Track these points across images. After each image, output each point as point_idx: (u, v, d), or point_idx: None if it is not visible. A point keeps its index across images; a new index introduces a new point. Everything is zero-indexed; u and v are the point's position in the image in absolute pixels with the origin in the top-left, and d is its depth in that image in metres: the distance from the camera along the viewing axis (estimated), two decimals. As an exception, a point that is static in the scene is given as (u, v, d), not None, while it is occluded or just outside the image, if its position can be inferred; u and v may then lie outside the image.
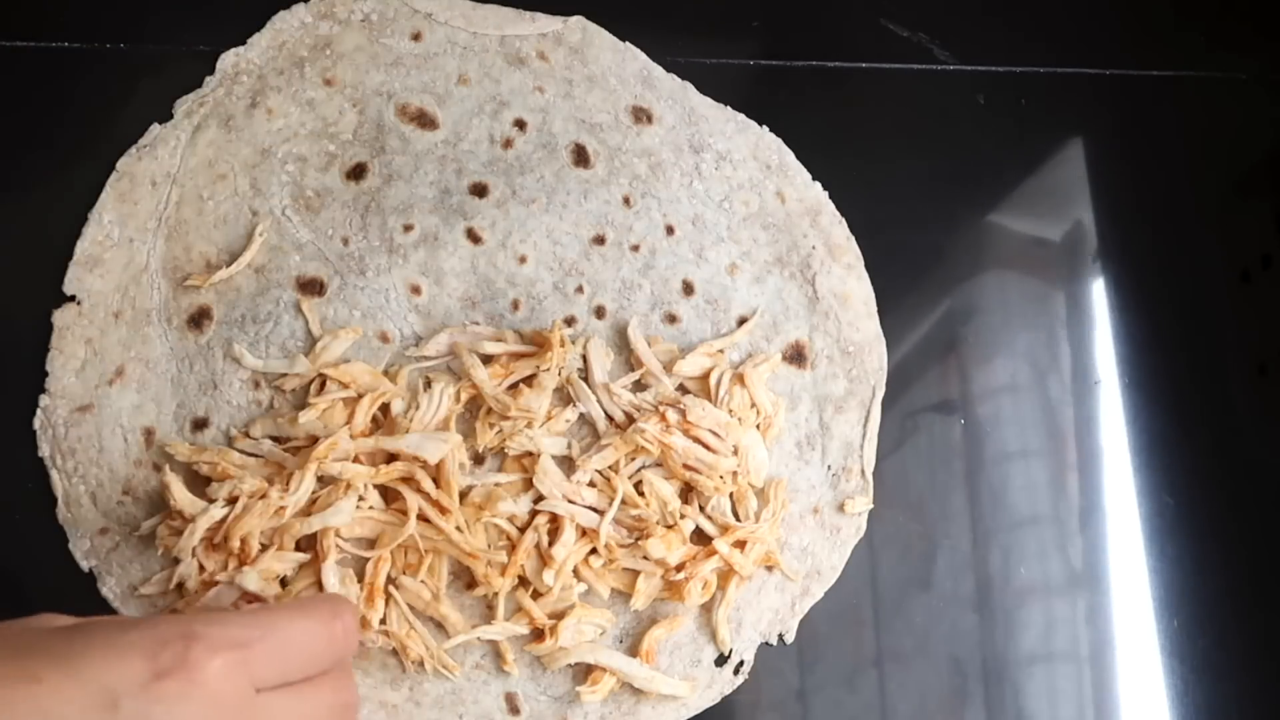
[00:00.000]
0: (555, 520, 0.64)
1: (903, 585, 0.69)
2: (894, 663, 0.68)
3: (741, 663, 0.66)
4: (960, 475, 0.71)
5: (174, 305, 0.66)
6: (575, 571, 0.64)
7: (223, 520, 0.61)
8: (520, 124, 0.70)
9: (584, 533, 0.64)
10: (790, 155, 0.73)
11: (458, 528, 0.62)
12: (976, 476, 0.71)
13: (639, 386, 0.67)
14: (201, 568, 0.62)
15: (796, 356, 0.69)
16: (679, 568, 0.64)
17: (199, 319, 0.66)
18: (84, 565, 0.64)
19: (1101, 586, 0.71)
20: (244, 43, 0.70)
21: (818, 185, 0.72)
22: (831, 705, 0.67)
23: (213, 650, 0.44)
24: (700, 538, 0.65)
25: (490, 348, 0.66)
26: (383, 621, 0.62)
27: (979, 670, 0.69)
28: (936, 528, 0.70)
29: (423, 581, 0.63)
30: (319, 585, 0.62)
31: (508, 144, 0.70)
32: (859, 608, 0.68)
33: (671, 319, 0.69)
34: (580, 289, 0.68)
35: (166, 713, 0.43)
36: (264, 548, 0.61)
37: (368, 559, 0.63)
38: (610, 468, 0.65)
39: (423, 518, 0.62)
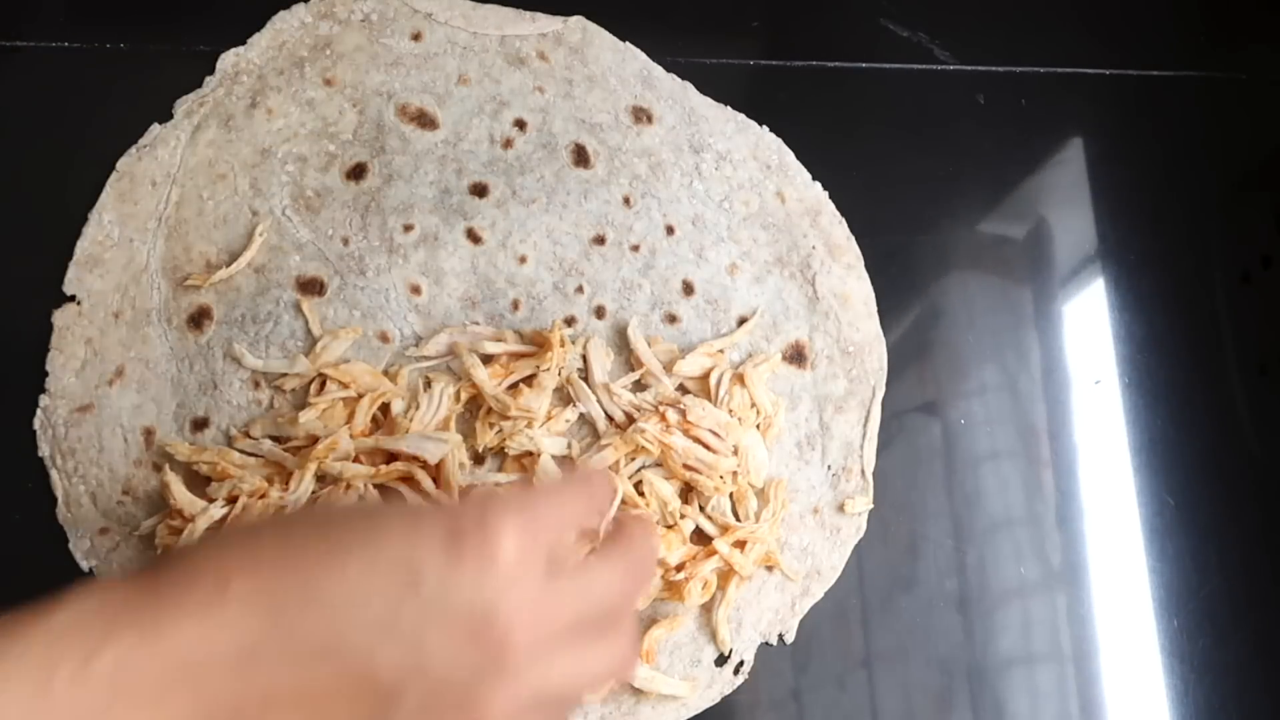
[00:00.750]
0: (555, 520, 0.64)
1: (897, 585, 0.69)
2: (885, 663, 0.68)
3: (741, 663, 0.66)
4: (957, 474, 0.71)
5: (174, 305, 0.66)
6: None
7: (223, 520, 0.61)
8: (520, 124, 0.70)
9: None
10: (790, 155, 0.73)
11: (458, 528, 0.62)
12: (971, 475, 0.71)
13: (639, 387, 0.67)
14: (201, 568, 0.62)
15: (796, 356, 0.69)
16: (679, 568, 0.64)
17: (199, 319, 0.66)
18: (84, 565, 0.64)
19: (1099, 585, 0.71)
20: (244, 43, 0.70)
21: (818, 185, 0.72)
22: (828, 705, 0.67)
23: (510, 536, 0.43)
24: (700, 538, 0.65)
25: (490, 348, 0.66)
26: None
27: (969, 671, 0.69)
28: (930, 527, 0.70)
29: (423, 581, 0.63)
30: None
31: (508, 144, 0.70)
32: (853, 608, 0.68)
33: (671, 319, 0.69)
34: (580, 289, 0.68)
35: (470, 586, 0.42)
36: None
37: (368, 559, 0.63)
38: (610, 468, 0.65)
39: (423, 518, 0.62)
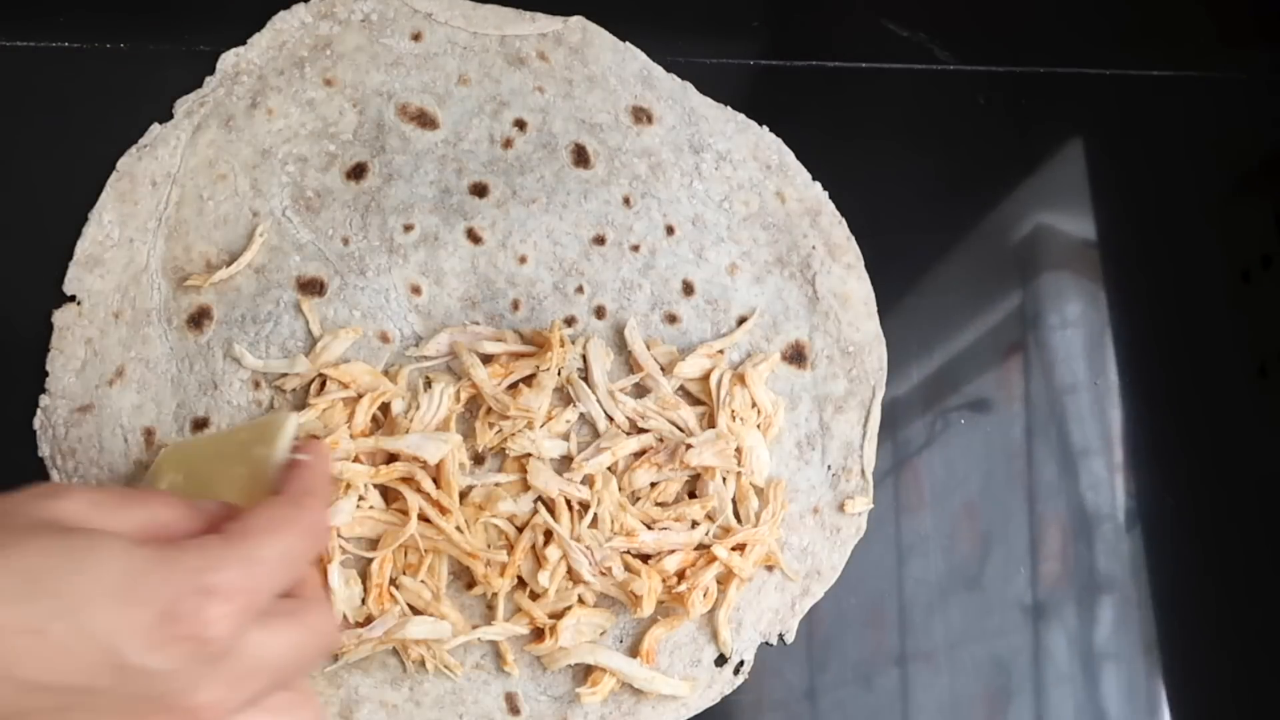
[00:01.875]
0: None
1: (924, 584, 0.69)
2: (911, 663, 0.68)
3: (742, 662, 0.66)
4: (977, 473, 0.71)
5: (174, 305, 0.66)
6: (571, 575, 0.63)
7: (223, 520, 0.61)
8: (520, 124, 0.70)
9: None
10: (790, 155, 0.73)
11: (458, 528, 0.62)
12: (991, 473, 0.71)
13: (640, 388, 0.67)
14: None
15: (796, 356, 0.69)
16: (680, 576, 0.64)
17: (199, 319, 0.66)
18: (84, 565, 0.64)
19: (1097, 585, 0.71)
20: (244, 43, 0.70)
21: (818, 185, 0.72)
22: (839, 705, 0.67)
23: (225, 610, 0.42)
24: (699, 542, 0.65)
25: (490, 348, 0.66)
26: (383, 621, 0.62)
27: (1004, 670, 0.69)
28: (940, 525, 0.70)
29: (423, 581, 0.63)
30: (324, 585, 0.62)
31: (508, 144, 0.70)
32: (876, 607, 0.68)
33: (671, 319, 0.69)
34: (580, 289, 0.68)
35: (169, 673, 0.41)
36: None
37: (368, 558, 0.63)
38: (609, 468, 0.65)
39: (423, 518, 0.62)
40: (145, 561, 0.43)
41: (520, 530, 0.64)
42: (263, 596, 0.45)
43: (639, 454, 0.65)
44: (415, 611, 0.63)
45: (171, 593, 0.42)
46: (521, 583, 0.64)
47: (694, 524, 0.65)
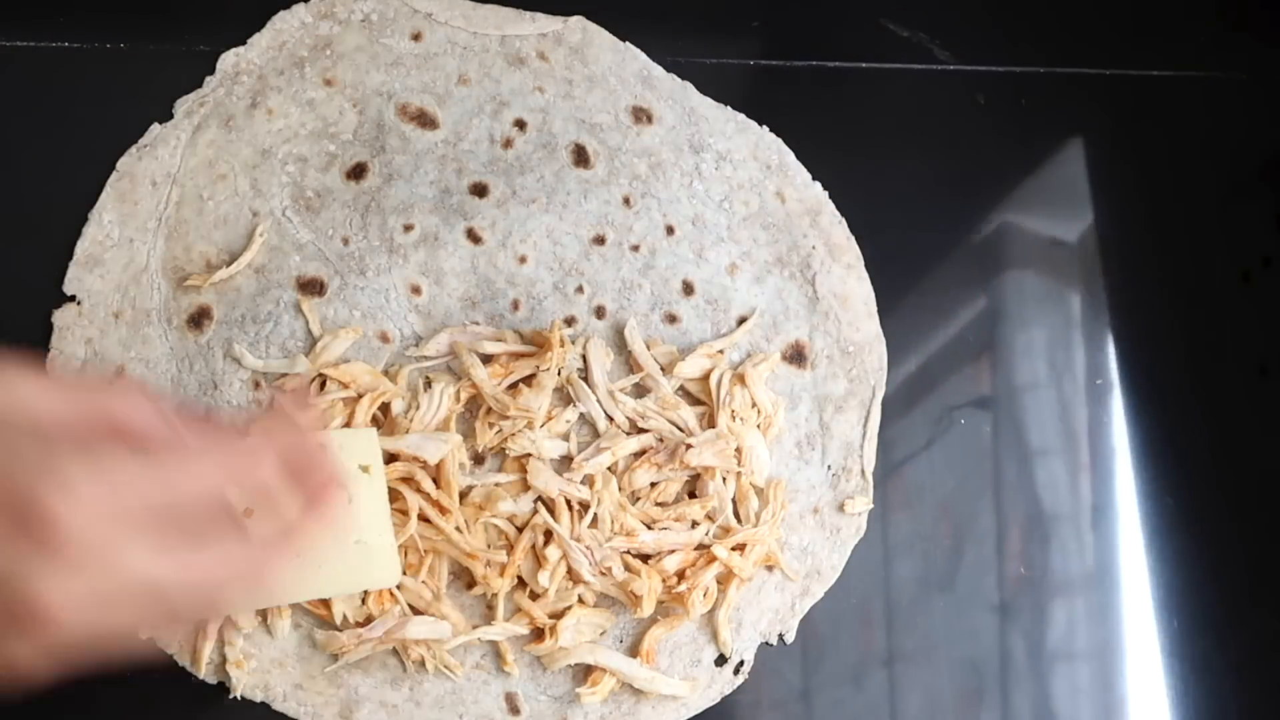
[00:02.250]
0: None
1: (918, 585, 0.69)
2: (905, 663, 0.68)
3: (742, 662, 0.66)
4: (977, 474, 0.71)
5: (174, 305, 0.66)
6: (571, 575, 0.63)
7: (223, 520, 0.61)
8: (520, 124, 0.70)
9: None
10: (790, 155, 0.73)
11: (457, 528, 0.62)
12: (990, 475, 0.71)
13: (640, 388, 0.67)
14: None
15: (796, 356, 0.69)
16: (680, 577, 0.64)
17: (199, 319, 0.66)
18: (84, 565, 0.64)
19: (1112, 586, 0.71)
20: (244, 43, 0.70)
21: (818, 185, 0.72)
22: (836, 705, 0.67)
23: (78, 512, 0.39)
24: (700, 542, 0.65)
25: (490, 348, 0.66)
26: (383, 621, 0.62)
27: (995, 670, 0.69)
28: (940, 527, 0.70)
29: (423, 582, 0.63)
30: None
31: (508, 144, 0.70)
32: (871, 607, 0.68)
33: (671, 319, 0.69)
34: (580, 289, 0.68)
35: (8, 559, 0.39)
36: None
37: (368, 559, 0.63)
38: (609, 469, 0.65)
39: (423, 518, 0.62)
40: (31, 448, 0.41)
41: (520, 530, 0.64)
42: (139, 511, 0.41)
43: (639, 454, 0.65)
44: (415, 611, 0.63)
45: (30, 481, 0.40)
46: (521, 583, 0.64)
47: (694, 524, 0.65)
